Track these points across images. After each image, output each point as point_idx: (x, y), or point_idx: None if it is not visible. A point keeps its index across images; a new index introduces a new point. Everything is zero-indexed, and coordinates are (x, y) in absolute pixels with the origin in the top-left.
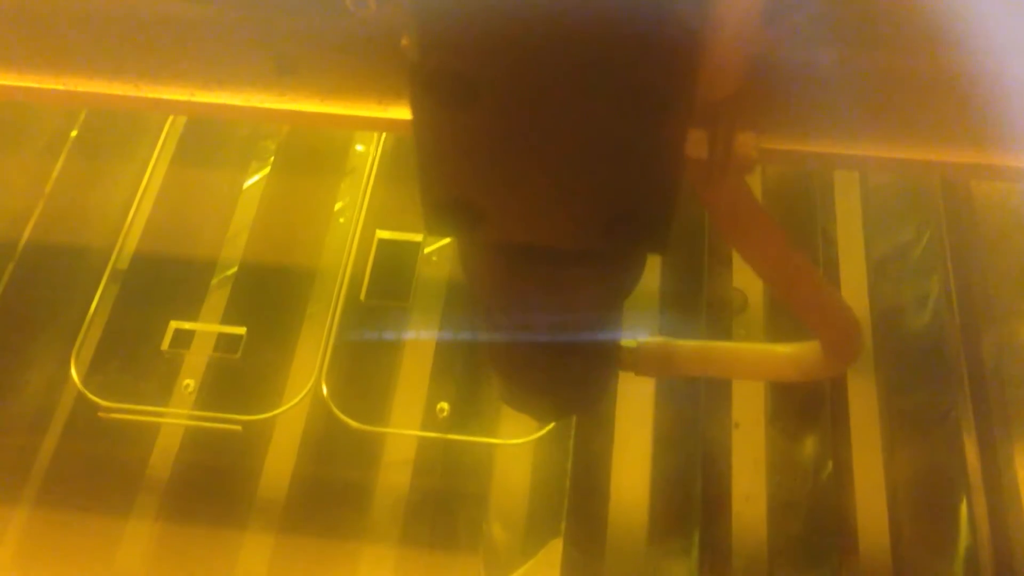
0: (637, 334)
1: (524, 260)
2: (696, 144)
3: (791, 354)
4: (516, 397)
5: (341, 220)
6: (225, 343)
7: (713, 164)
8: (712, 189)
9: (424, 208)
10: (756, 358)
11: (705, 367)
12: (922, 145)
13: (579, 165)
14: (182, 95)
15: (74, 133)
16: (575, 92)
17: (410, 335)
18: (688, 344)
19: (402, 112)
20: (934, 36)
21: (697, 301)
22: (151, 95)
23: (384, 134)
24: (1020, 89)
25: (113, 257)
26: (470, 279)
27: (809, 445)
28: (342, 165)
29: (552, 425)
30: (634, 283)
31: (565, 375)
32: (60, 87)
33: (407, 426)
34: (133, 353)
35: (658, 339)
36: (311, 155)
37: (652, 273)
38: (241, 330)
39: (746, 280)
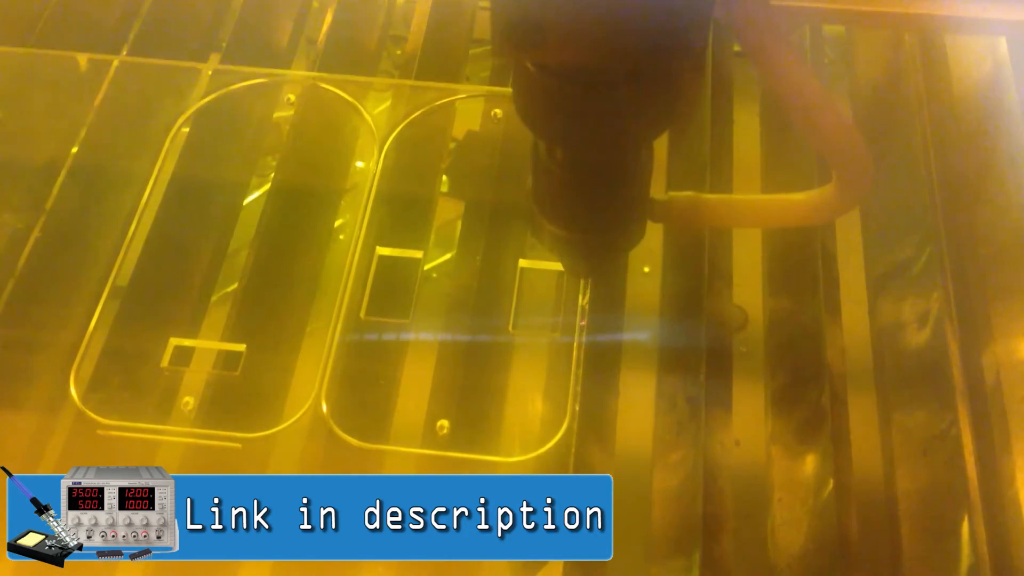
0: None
1: (578, 83)
2: None
3: (808, 200)
4: (560, 240)
5: (341, 237)
6: (225, 360)
7: None
8: (743, 4)
9: (493, 25)
10: (776, 206)
11: (729, 218)
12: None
13: None
14: None
15: (74, 150)
16: None
17: (410, 352)
18: (714, 197)
19: None
20: None
21: (697, 318)
22: None
23: (383, 153)
24: None
25: (113, 274)
26: (526, 113)
27: (810, 463)
28: (342, 182)
29: (552, 442)
30: (672, 115)
31: (607, 211)
32: None
33: (407, 444)
34: (133, 371)
35: (687, 192)
36: (311, 172)
37: (652, 290)
38: (241, 347)
39: (746, 297)
